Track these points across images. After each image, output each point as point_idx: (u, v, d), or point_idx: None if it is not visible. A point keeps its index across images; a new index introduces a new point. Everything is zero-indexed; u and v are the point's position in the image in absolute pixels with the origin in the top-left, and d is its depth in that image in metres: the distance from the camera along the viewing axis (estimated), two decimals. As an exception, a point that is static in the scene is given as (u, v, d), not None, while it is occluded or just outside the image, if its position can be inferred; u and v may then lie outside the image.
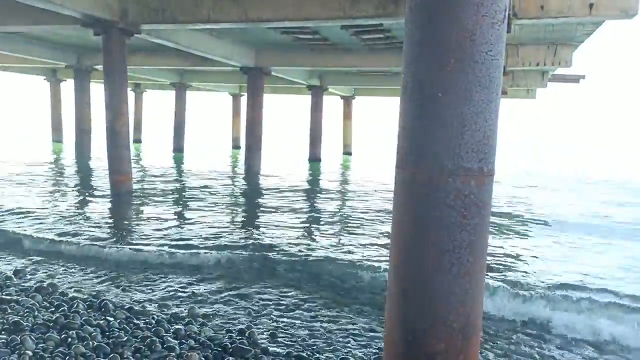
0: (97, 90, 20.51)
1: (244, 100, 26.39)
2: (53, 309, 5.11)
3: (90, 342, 4.31)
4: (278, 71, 19.32)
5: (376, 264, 7.37)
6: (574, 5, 8.09)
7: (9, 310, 4.93)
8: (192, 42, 14.13)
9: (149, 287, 6.31)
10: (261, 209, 12.38)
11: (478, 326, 3.11)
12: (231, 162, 25.63)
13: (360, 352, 4.70)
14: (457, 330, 2.95)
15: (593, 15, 8.07)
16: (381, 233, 9.88)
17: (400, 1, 9.47)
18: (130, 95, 31.75)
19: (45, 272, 6.70)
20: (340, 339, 4.98)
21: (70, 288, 6.00)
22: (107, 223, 9.86)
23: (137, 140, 33.37)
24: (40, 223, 9.44)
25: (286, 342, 4.79)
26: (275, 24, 11.27)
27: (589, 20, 8.91)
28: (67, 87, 26.94)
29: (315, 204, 13.55)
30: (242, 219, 11.41)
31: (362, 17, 10.20)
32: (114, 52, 11.76)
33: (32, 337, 4.30)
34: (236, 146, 34.72)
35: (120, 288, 6.22)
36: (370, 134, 48.66)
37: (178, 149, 29.12)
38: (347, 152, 32.50)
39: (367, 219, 11.33)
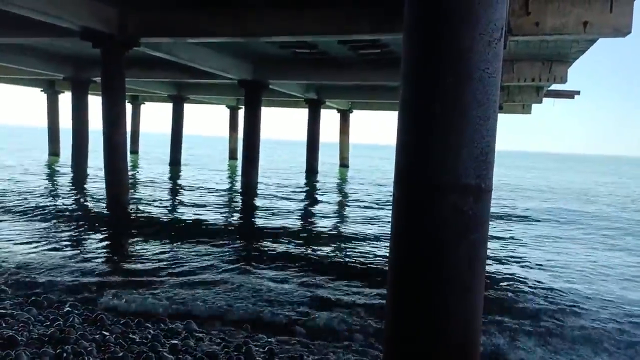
0: (96, 103, 20.51)
1: (241, 113, 26.48)
2: (48, 323, 5.06)
3: (86, 358, 4.26)
4: (275, 84, 19.43)
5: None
6: (568, 23, 8.21)
7: (4, 325, 4.88)
8: (190, 55, 14.22)
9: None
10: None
11: (477, 341, 3.10)
12: (228, 176, 25.63)
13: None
14: (457, 346, 2.95)
15: (587, 33, 8.19)
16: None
17: (395, 18, 9.59)
18: (128, 107, 31.81)
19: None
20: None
21: (66, 302, 5.94)
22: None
23: (134, 152, 33.48)
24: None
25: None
26: (272, 38, 11.39)
27: (583, 37, 9.04)
28: (65, 99, 27.00)
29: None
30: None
31: (357, 33, 10.33)
32: (112, 65, 11.82)
33: (27, 352, 4.25)
34: (233, 158, 34.86)
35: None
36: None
37: (175, 161, 29.16)
38: (344, 165, 32.74)
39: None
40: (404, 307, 3.06)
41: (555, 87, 18.01)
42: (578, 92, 20.05)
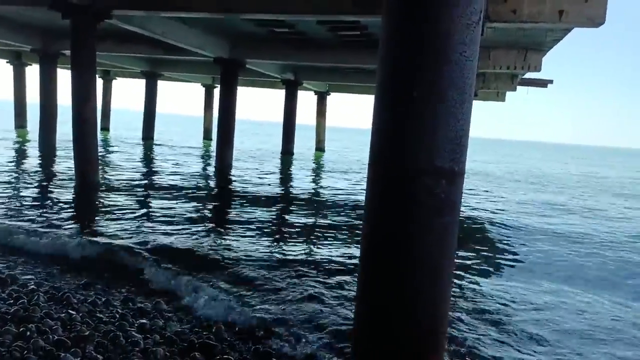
0: (65, 77, 19.77)
1: (217, 92, 26.05)
2: (11, 302, 4.93)
3: (51, 336, 4.17)
4: (252, 64, 19.10)
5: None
6: (544, 11, 8.29)
7: (-36, 303, 4.72)
8: (164, 30, 13.80)
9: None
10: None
11: (445, 322, 3.15)
12: (202, 157, 25.29)
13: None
14: (425, 326, 2.99)
15: (563, 21, 8.28)
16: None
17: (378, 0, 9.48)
18: (99, 82, 30.86)
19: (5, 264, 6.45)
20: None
21: (30, 280, 5.79)
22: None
23: (105, 129, 32.63)
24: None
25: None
26: (250, 15, 11.14)
27: (558, 26, 9.15)
28: (33, 71, 26.10)
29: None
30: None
31: (342, 13, 10.19)
32: (83, 37, 11.38)
33: (-12, 331, 4.14)
34: (207, 138, 34.37)
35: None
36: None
37: (147, 137, 28.65)
38: (320, 149, 32.64)
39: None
40: (374, 287, 3.07)
41: (528, 75, 18.27)
42: (551, 81, 20.39)
